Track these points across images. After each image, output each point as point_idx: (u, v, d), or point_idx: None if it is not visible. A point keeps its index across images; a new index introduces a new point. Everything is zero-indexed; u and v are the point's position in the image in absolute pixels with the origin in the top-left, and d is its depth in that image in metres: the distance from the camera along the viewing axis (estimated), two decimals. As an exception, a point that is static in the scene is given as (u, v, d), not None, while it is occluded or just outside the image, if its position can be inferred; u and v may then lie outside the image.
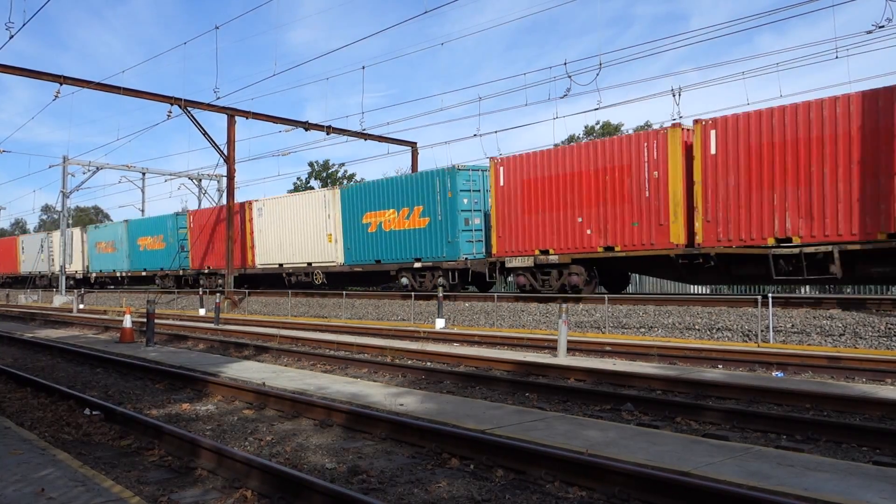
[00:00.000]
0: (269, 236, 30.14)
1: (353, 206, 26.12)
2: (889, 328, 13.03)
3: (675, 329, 15.59)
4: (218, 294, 26.37)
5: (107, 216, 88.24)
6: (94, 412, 8.08)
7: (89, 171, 44.03)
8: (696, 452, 5.83)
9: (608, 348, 13.72)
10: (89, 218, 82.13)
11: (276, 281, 31.06)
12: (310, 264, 28.00)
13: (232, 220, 29.42)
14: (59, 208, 46.38)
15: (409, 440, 6.64)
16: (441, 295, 19.37)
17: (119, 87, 26.50)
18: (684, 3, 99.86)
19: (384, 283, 27.15)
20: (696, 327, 15.34)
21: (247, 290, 30.31)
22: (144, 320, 16.88)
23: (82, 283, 43.99)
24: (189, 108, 28.01)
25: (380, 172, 71.22)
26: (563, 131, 65.80)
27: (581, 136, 46.03)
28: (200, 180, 47.43)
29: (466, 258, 22.13)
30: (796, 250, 14.87)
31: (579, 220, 18.82)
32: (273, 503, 5.00)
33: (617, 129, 44.89)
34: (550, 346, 13.51)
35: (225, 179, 33.04)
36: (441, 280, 22.83)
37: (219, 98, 27.46)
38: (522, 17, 64.33)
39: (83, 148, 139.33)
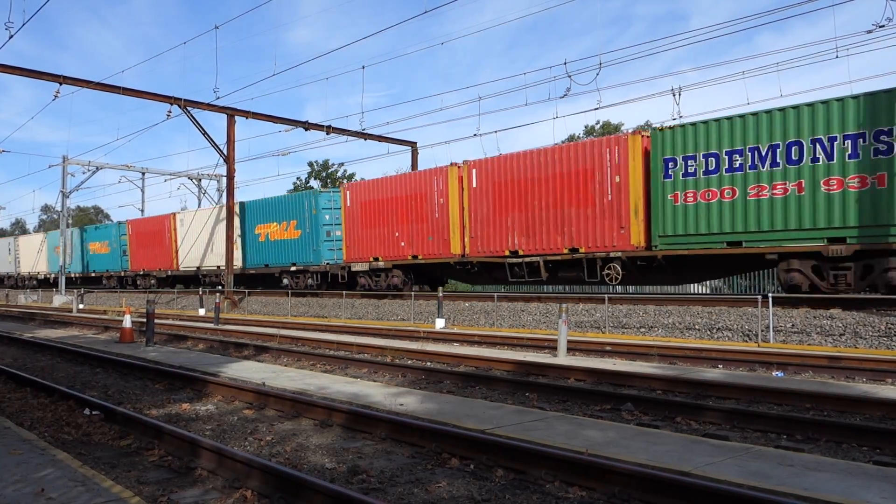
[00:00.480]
0: (189, 244, 35.26)
1: (250, 219, 31.26)
2: (889, 328, 13.03)
3: (675, 329, 15.58)
4: (218, 294, 26.45)
5: (107, 216, 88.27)
6: (93, 412, 8.07)
7: (89, 170, 44.03)
8: (697, 452, 5.83)
9: (608, 348, 13.71)
10: (89, 218, 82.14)
11: (195, 280, 35.76)
12: (219, 267, 32.54)
13: (231, 220, 29.47)
14: (58, 208, 46.40)
15: (409, 440, 6.64)
16: (441, 295, 19.39)
17: (119, 87, 26.49)
18: (684, 3, 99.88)
19: (273, 283, 31.23)
20: (696, 327, 15.34)
21: (246, 291, 30.38)
22: (144, 320, 16.87)
23: (44, 283, 49.07)
24: (189, 108, 28.00)
25: (380, 172, 71.25)
26: (564, 131, 65.78)
27: (581, 135, 45.98)
28: (200, 180, 47.42)
29: (328, 263, 27.15)
30: (520, 260, 20.39)
31: (396, 234, 24.20)
32: (273, 503, 5.00)
33: (617, 128, 44.85)
34: (550, 346, 13.50)
35: (225, 179, 33.10)
36: (310, 281, 28.04)
37: (218, 98, 27.51)
38: (522, 16, 64.39)
39: (83, 148, 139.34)
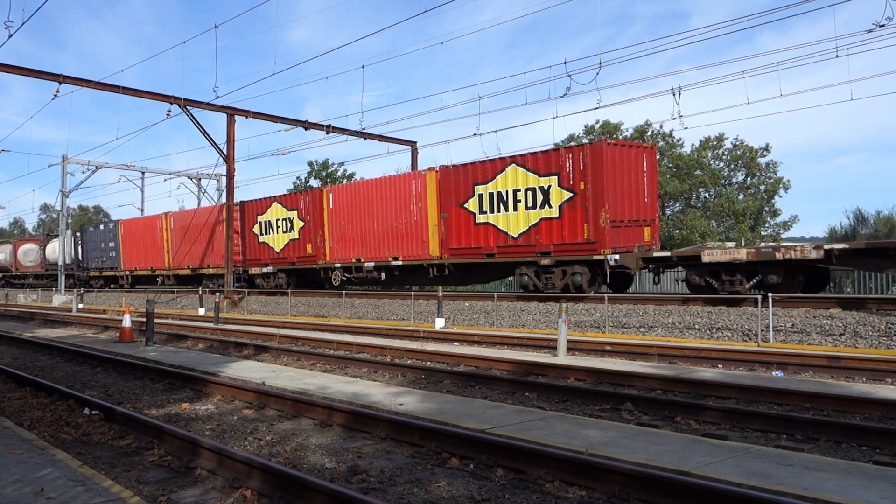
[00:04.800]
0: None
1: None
2: (889, 327, 13.03)
3: (675, 328, 15.58)
4: (217, 293, 26.45)
5: (107, 216, 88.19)
6: (93, 412, 8.07)
7: (89, 170, 43.91)
8: (696, 452, 5.83)
9: (608, 348, 13.71)
10: (89, 218, 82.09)
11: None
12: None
13: (231, 220, 29.43)
14: (58, 207, 46.39)
15: (408, 440, 6.64)
16: (441, 294, 19.37)
17: (118, 87, 26.43)
18: (685, 2, 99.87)
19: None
20: (696, 327, 15.33)
21: (246, 290, 30.38)
22: (144, 320, 16.87)
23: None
24: (188, 108, 27.96)
25: (380, 171, 71.30)
26: (563, 130, 65.61)
27: (581, 135, 45.92)
28: (200, 179, 47.35)
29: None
30: None
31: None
32: (273, 503, 5.00)
33: (617, 128, 44.74)
34: (550, 346, 13.49)
35: (224, 178, 33.08)
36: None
37: (218, 97, 27.46)
38: (522, 16, 64.40)
39: (82, 147, 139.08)
